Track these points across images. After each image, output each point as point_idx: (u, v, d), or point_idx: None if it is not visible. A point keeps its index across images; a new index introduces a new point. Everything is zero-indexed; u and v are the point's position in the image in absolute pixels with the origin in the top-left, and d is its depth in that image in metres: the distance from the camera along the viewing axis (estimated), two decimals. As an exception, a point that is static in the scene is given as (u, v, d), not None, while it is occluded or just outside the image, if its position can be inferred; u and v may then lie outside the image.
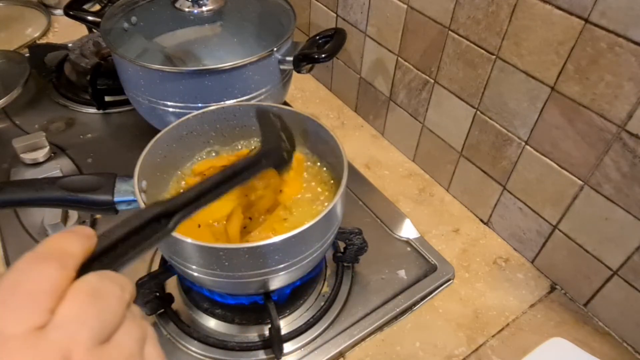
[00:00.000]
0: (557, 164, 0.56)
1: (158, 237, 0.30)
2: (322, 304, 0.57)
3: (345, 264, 0.61)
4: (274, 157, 0.44)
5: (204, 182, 0.36)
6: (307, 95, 0.92)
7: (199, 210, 0.35)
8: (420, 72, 0.69)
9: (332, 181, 0.56)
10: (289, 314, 0.57)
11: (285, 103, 0.78)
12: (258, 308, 0.55)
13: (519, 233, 0.65)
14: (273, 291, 0.52)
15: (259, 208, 0.52)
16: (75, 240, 0.24)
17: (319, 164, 0.57)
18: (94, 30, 0.89)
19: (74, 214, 0.65)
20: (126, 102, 0.80)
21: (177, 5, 0.72)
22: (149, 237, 0.29)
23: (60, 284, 0.22)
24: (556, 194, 0.57)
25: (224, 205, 0.51)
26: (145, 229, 0.29)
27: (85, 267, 0.24)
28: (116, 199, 0.46)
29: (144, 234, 0.29)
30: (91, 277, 0.23)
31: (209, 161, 0.58)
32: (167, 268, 0.55)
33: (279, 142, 0.47)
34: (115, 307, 0.23)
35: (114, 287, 0.24)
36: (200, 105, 0.62)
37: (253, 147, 0.60)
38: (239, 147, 0.60)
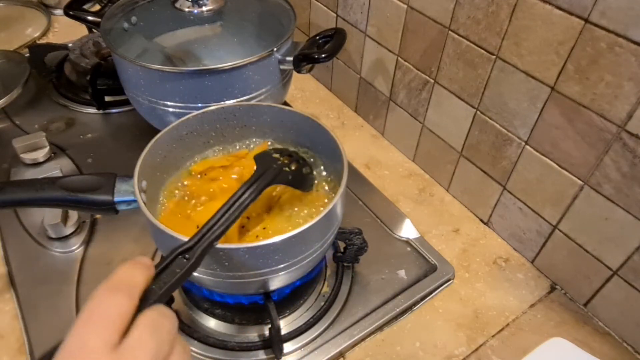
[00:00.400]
0: (557, 164, 0.56)
1: (187, 271, 0.37)
2: (322, 304, 0.57)
3: (345, 264, 0.61)
4: (270, 173, 0.47)
5: (214, 216, 0.41)
6: (307, 95, 0.92)
7: (217, 240, 0.40)
8: (420, 72, 0.69)
9: (332, 181, 0.56)
10: (289, 314, 0.57)
11: (285, 103, 0.78)
12: (258, 308, 0.55)
13: (519, 233, 0.65)
14: (273, 291, 0.52)
15: (256, 207, 0.52)
16: (139, 270, 0.32)
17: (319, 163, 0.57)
18: (94, 30, 0.89)
19: (74, 214, 0.65)
20: (126, 102, 0.80)
21: (177, 5, 0.72)
22: (177, 272, 0.36)
23: (128, 311, 0.29)
24: (556, 194, 0.57)
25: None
26: (174, 266, 0.36)
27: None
28: (116, 199, 0.46)
29: (173, 270, 0.36)
30: (151, 313, 0.30)
31: (209, 161, 0.58)
32: (167, 268, 0.55)
33: (272, 162, 0.50)
34: (169, 338, 0.30)
35: (167, 322, 0.30)
36: (200, 105, 0.62)
37: (252, 147, 0.60)
38: (239, 147, 0.60)
